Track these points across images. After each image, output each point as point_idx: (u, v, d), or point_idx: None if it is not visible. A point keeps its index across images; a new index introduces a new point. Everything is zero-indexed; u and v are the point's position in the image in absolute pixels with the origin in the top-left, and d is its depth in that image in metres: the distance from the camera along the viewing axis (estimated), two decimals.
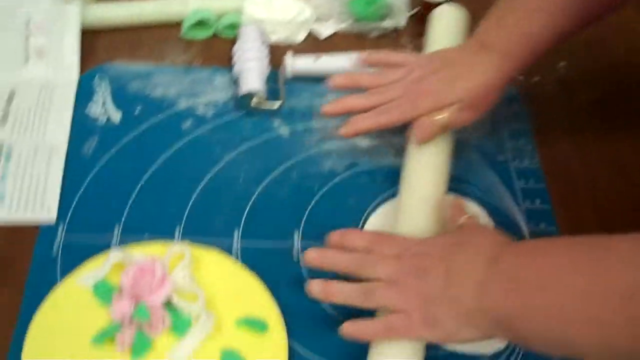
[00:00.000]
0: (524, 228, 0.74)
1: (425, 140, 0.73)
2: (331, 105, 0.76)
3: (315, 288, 0.63)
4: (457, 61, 0.74)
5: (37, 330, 0.64)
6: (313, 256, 0.64)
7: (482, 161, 0.80)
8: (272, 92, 0.84)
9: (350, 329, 0.61)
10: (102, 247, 0.69)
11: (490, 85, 0.72)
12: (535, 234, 0.74)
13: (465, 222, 0.65)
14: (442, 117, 0.72)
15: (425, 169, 0.73)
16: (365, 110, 0.74)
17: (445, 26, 0.85)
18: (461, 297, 0.58)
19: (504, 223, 0.74)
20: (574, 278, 0.52)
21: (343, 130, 0.74)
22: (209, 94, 0.85)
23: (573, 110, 0.85)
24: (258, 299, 0.67)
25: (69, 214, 0.73)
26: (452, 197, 0.72)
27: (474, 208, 0.75)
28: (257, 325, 0.64)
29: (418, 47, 0.92)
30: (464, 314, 0.57)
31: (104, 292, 0.65)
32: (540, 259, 0.56)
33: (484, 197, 0.76)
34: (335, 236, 0.66)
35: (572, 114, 0.85)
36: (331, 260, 0.64)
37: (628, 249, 0.51)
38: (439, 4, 0.91)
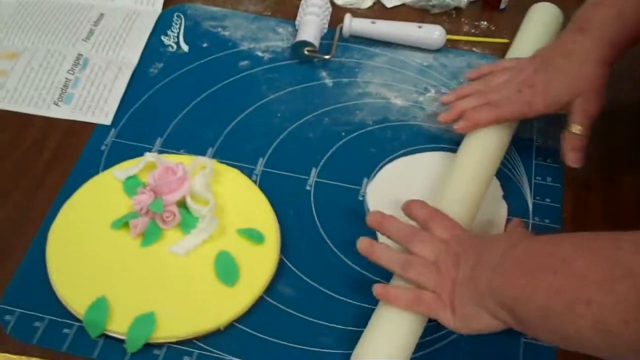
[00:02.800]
0: (529, 201, 0.78)
1: (577, 161, 0.75)
2: (447, 113, 0.79)
3: (363, 245, 0.67)
4: (559, 57, 0.76)
5: (70, 208, 0.74)
6: (377, 220, 0.68)
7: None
8: (327, 47, 0.91)
9: (382, 291, 0.64)
10: (142, 152, 0.78)
11: (596, 72, 0.74)
12: (538, 208, 0.77)
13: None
14: (577, 127, 0.75)
15: (481, 155, 0.76)
16: None
17: (539, 23, 0.89)
18: (479, 279, 0.61)
19: (513, 193, 0.77)
20: (575, 262, 0.54)
21: (460, 126, 0.77)
22: (270, 40, 0.93)
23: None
24: (262, 214, 0.74)
25: (122, 121, 0.83)
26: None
27: None
28: (254, 235, 0.71)
29: (476, 27, 0.96)
30: (479, 296, 0.60)
31: (133, 186, 0.75)
32: (550, 247, 0.58)
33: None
34: (405, 203, 0.69)
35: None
36: (389, 226, 0.68)
37: (631, 240, 0.52)
38: None
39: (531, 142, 0.83)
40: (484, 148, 0.76)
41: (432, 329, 0.67)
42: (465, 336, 0.66)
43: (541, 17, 0.91)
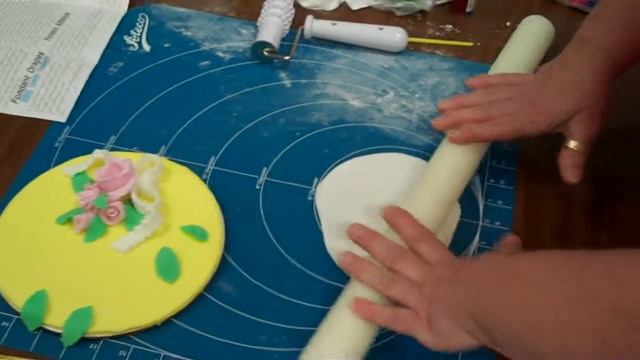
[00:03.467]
0: (480, 203, 0.77)
1: (576, 177, 0.74)
2: (443, 119, 0.76)
3: (347, 259, 0.65)
4: (561, 72, 0.75)
5: (17, 203, 0.74)
6: (358, 234, 0.66)
7: None
8: (287, 48, 0.91)
9: (360, 307, 0.62)
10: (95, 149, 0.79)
11: (597, 88, 0.73)
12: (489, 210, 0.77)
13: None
14: (577, 144, 0.74)
15: (450, 169, 0.74)
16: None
17: (529, 35, 0.89)
18: (455, 294, 0.60)
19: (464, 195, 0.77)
20: (546, 281, 0.53)
21: (456, 136, 0.74)
22: (232, 41, 0.93)
23: None
24: (208, 212, 0.74)
25: (78, 119, 0.83)
26: None
27: None
28: (198, 232, 0.72)
29: (440, 30, 0.96)
30: (454, 311, 0.59)
31: (81, 182, 0.75)
32: (523, 264, 0.57)
33: None
34: (388, 211, 0.67)
35: None
36: (373, 243, 0.65)
37: (601, 260, 0.51)
38: None
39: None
40: (459, 162, 0.74)
41: None
42: None
43: (532, 29, 0.90)
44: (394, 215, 0.67)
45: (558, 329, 0.51)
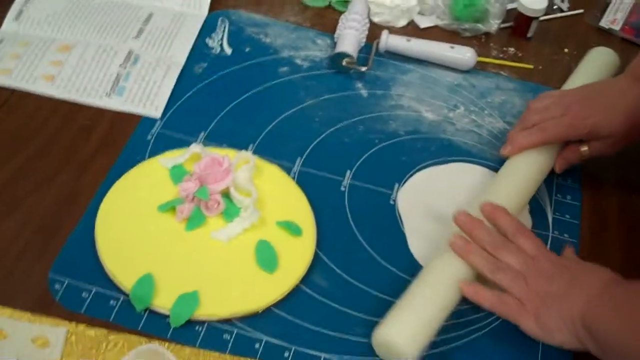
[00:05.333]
0: (549, 216, 0.82)
1: (562, 167, 0.83)
2: (508, 148, 0.82)
3: (458, 243, 0.70)
4: (600, 93, 0.82)
5: (119, 189, 0.78)
6: (463, 220, 0.72)
7: None
8: (363, 60, 0.96)
9: (469, 289, 0.68)
10: (186, 144, 0.82)
11: (626, 119, 0.79)
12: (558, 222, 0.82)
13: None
14: (585, 149, 0.81)
15: (518, 178, 0.81)
16: None
17: (594, 66, 0.95)
18: (574, 302, 0.64)
19: (535, 208, 0.82)
20: None
21: (506, 150, 0.82)
22: (309, 50, 0.98)
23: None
24: (300, 209, 0.78)
25: (168, 115, 0.87)
26: None
27: None
28: (293, 228, 0.76)
29: (504, 52, 1.02)
30: (570, 317, 0.64)
31: (178, 173, 0.79)
32: None
33: None
34: (488, 207, 0.73)
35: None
36: (477, 232, 0.71)
37: None
38: (534, 18, 1.00)
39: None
40: (529, 165, 0.81)
41: (453, 327, 0.71)
42: (484, 336, 0.71)
43: (598, 60, 0.96)
44: (495, 210, 0.72)
45: None
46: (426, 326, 0.66)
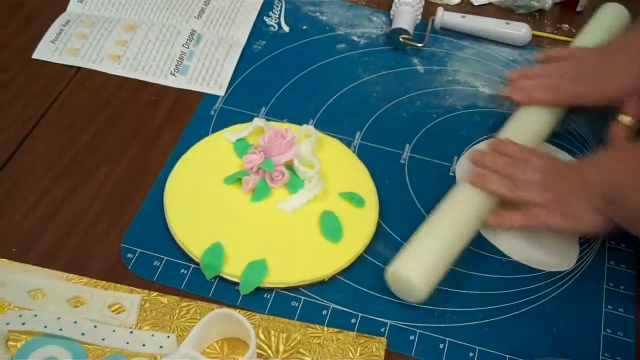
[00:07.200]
0: None
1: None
2: (509, 90, 0.87)
3: (474, 174, 0.76)
4: (623, 52, 0.82)
5: (186, 162, 0.80)
6: (477, 157, 0.78)
7: None
8: (419, 37, 0.97)
9: (493, 219, 0.74)
10: (248, 119, 0.85)
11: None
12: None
13: None
14: (632, 121, 0.81)
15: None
16: None
17: (605, 23, 0.95)
18: (588, 178, 0.70)
19: None
20: None
21: (518, 97, 0.85)
22: (365, 27, 0.99)
23: None
24: (362, 181, 0.80)
25: (229, 91, 0.89)
26: None
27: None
28: (356, 199, 0.77)
29: (558, 29, 1.02)
30: (591, 194, 0.69)
31: (243, 147, 0.81)
32: None
33: None
34: (495, 140, 0.79)
35: None
36: (489, 159, 0.77)
37: None
38: None
39: None
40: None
41: (523, 293, 0.72)
42: (550, 301, 0.72)
43: (609, 17, 0.95)
44: (501, 142, 0.78)
45: None
46: (439, 263, 0.70)
